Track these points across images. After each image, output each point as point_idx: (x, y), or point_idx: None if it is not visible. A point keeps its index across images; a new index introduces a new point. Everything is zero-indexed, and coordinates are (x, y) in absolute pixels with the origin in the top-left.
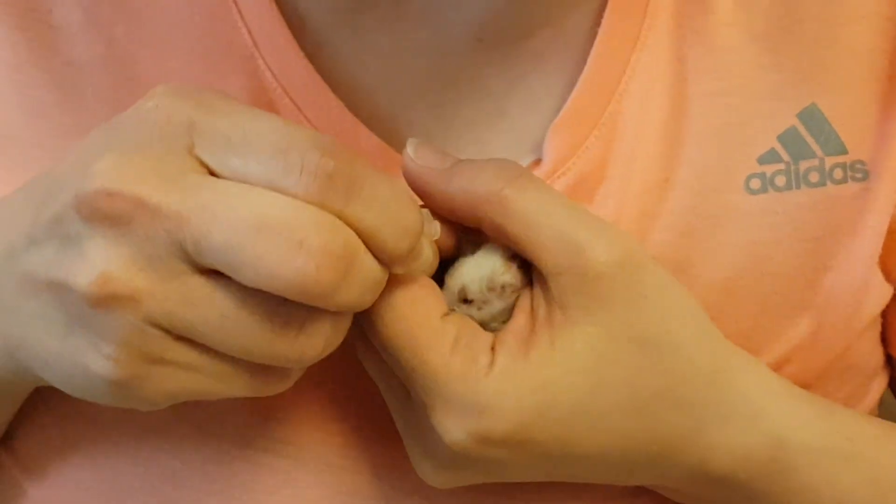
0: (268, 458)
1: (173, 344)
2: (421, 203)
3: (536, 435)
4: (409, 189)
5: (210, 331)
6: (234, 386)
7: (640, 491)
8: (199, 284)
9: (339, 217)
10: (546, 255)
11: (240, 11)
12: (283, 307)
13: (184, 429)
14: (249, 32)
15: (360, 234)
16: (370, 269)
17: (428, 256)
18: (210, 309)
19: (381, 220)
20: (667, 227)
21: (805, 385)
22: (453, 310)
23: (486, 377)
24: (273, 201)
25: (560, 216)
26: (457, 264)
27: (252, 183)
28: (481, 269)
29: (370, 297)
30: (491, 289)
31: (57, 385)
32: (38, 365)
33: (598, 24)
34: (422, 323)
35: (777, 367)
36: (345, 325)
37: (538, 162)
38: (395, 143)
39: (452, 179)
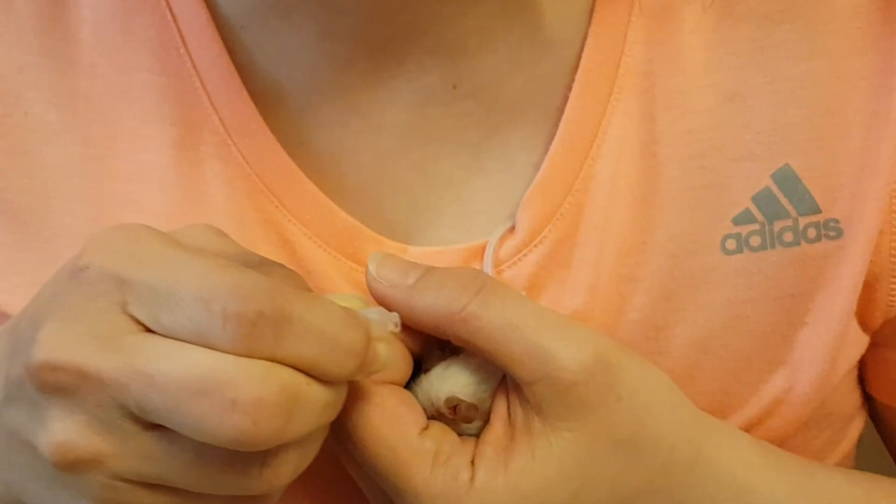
0: None
1: (146, 492)
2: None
3: None
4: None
5: (176, 478)
6: None
7: None
8: (155, 441)
9: (274, 359)
10: (517, 368)
11: (209, 97)
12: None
13: None
14: (220, 119)
15: (300, 367)
16: (317, 399)
17: (387, 357)
18: (170, 462)
19: (318, 349)
20: (645, 291)
21: (786, 437)
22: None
23: (468, 494)
24: (202, 360)
25: (527, 328)
26: (426, 376)
27: (183, 338)
28: (448, 384)
29: (328, 417)
30: (455, 408)
31: None
32: None
33: (569, 74)
34: (400, 442)
35: (757, 422)
36: (313, 447)
37: (513, 229)
38: (374, 216)
39: (415, 300)
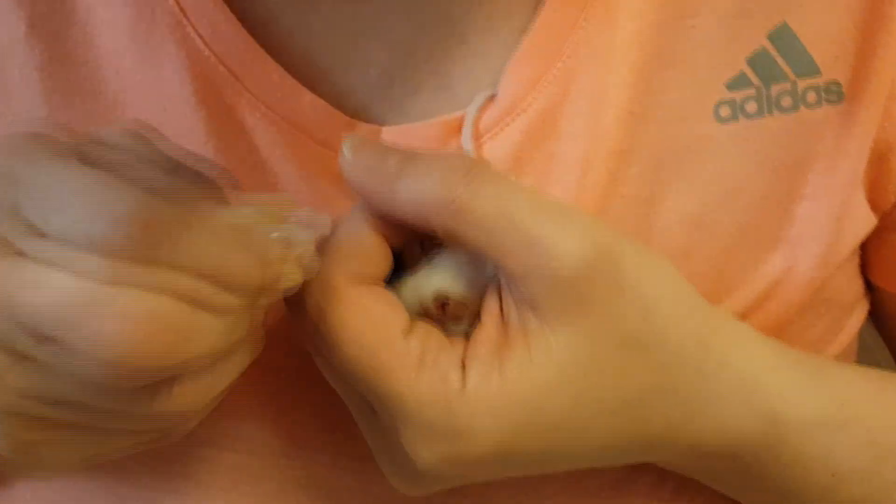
0: (224, 455)
1: (53, 409)
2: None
3: (516, 452)
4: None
5: (79, 397)
6: (138, 439)
7: (631, 477)
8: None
9: (151, 287)
10: (512, 261)
11: None
12: None
13: None
14: None
15: (181, 295)
16: (203, 327)
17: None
18: (69, 380)
19: (198, 275)
20: (637, 163)
21: (785, 323)
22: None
23: (459, 398)
24: (67, 287)
25: (521, 216)
26: (412, 272)
27: (73, 245)
28: (436, 280)
29: (226, 344)
30: (444, 305)
31: None
32: None
33: None
34: (382, 343)
35: (756, 306)
36: (225, 370)
37: (493, 98)
38: (346, 95)
39: (398, 189)
